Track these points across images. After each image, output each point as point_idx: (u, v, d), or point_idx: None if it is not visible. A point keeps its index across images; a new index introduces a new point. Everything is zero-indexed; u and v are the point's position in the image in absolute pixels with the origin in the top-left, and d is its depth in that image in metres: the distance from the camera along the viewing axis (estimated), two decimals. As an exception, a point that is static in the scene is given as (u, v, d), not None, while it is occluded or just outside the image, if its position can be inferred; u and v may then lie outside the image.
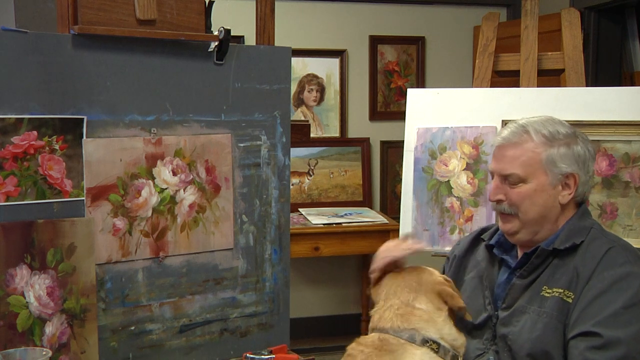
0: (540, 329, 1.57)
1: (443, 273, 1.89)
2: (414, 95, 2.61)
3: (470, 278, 1.79)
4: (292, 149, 2.16)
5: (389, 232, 3.91)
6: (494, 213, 2.38)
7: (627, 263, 1.57)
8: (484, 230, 1.89)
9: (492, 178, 1.73)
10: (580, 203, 1.71)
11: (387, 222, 4.01)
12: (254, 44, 2.14)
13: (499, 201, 1.68)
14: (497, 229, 1.82)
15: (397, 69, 4.51)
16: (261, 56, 2.06)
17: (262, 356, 1.93)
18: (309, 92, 4.38)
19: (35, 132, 1.71)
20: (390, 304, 1.60)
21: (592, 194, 2.32)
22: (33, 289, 1.72)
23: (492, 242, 1.78)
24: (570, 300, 1.57)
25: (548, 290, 1.61)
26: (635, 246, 1.96)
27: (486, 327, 1.69)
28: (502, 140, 1.69)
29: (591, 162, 1.69)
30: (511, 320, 1.64)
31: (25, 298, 1.70)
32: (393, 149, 4.47)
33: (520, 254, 1.74)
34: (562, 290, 1.59)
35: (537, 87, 2.58)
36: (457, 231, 2.44)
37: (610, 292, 1.53)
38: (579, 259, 1.61)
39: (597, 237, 1.65)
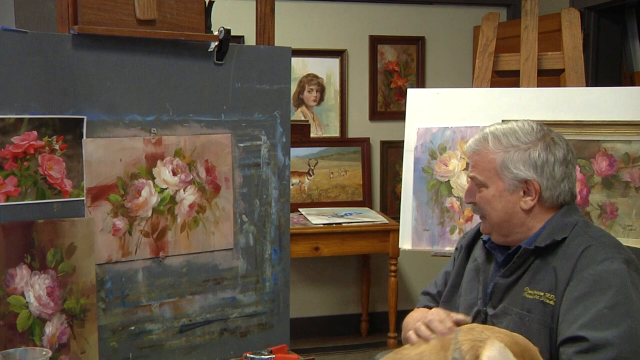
0: (523, 332, 1.56)
1: (453, 263, 1.92)
2: (414, 95, 2.61)
3: (469, 269, 1.82)
4: (292, 149, 2.16)
5: (389, 232, 3.92)
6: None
7: (606, 260, 1.55)
8: None
9: None
10: (561, 204, 1.68)
11: (387, 222, 4.01)
12: (254, 44, 2.14)
13: (472, 203, 1.76)
14: None
15: (397, 69, 4.51)
16: (261, 56, 2.06)
17: (262, 356, 1.93)
18: (309, 92, 4.38)
19: (35, 132, 1.71)
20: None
21: (592, 194, 2.32)
22: (33, 289, 1.72)
23: (485, 237, 1.80)
24: (553, 303, 1.56)
25: (530, 292, 1.61)
26: (635, 246, 1.97)
27: (476, 322, 1.68)
28: (467, 149, 1.78)
29: (558, 166, 1.65)
30: (495, 321, 1.64)
31: (25, 298, 1.70)
32: (393, 149, 4.47)
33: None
34: (542, 294, 1.58)
35: (537, 87, 2.58)
36: (457, 231, 2.45)
37: (592, 293, 1.51)
38: (557, 258, 1.60)
39: (578, 234, 1.62)
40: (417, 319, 1.74)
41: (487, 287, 1.73)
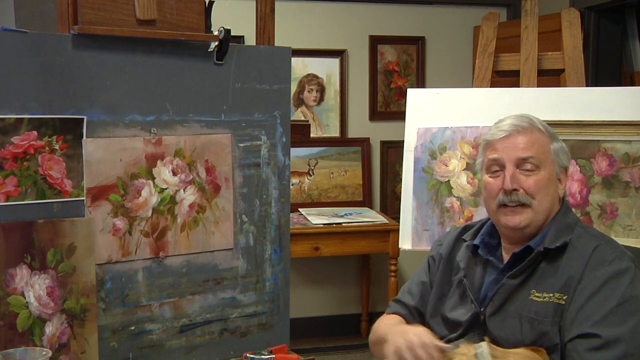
0: (535, 336, 1.57)
1: (429, 272, 1.87)
2: (414, 95, 2.61)
3: (456, 281, 1.77)
4: (292, 149, 2.15)
5: (389, 232, 3.92)
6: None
7: (616, 260, 1.58)
8: (465, 228, 1.87)
9: (493, 170, 1.70)
10: (562, 198, 1.74)
11: (387, 222, 4.01)
12: (254, 44, 2.14)
13: (514, 191, 1.65)
14: (479, 229, 1.81)
15: (397, 69, 4.51)
16: (261, 56, 2.06)
17: (262, 356, 1.93)
18: (309, 92, 4.38)
19: (35, 132, 1.71)
20: None
21: (592, 194, 2.32)
22: (33, 289, 1.72)
23: (477, 242, 1.77)
24: (563, 302, 1.56)
25: (537, 294, 1.60)
26: (635, 246, 1.97)
27: (474, 325, 1.68)
28: (512, 128, 1.68)
29: None
30: (503, 324, 1.63)
31: (25, 298, 1.70)
32: (393, 149, 4.47)
33: (506, 254, 1.73)
34: (552, 294, 1.58)
35: (537, 87, 2.58)
36: (457, 231, 2.44)
37: (603, 291, 1.53)
38: (566, 259, 1.61)
39: (581, 235, 1.65)
40: (390, 326, 1.76)
41: (480, 290, 1.71)
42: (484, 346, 1.50)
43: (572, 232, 1.65)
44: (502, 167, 1.68)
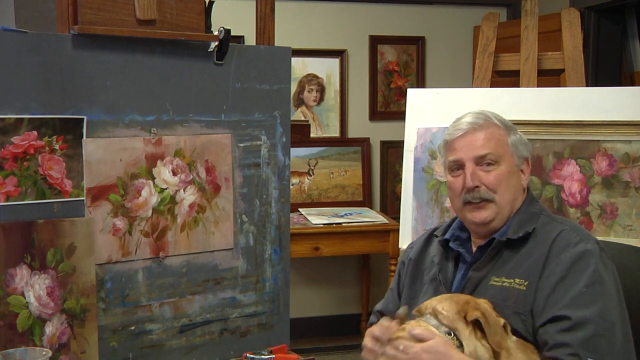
0: None
1: (398, 279, 1.90)
2: (414, 95, 2.61)
3: (429, 279, 1.78)
4: (292, 149, 2.16)
5: (389, 232, 3.92)
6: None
7: (581, 242, 1.59)
8: (436, 228, 1.89)
9: (454, 169, 1.73)
10: (528, 188, 1.76)
11: (387, 222, 4.01)
12: (254, 44, 2.14)
13: (475, 188, 1.68)
14: (450, 225, 1.82)
15: (397, 69, 4.51)
16: (261, 56, 2.06)
17: (262, 356, 1.93)
18: (309, 92, 4.38)
19: (35, 132, 1.71)
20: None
21: (592, 194, 2.32)
22: (33, 289, 1.72)
23: (447, 236, 1.78)
24: (524, 288, 1.57)
25: (496, 279, 1.62)
26: (635, 246, 1.97)
27: None
28: (469, 126, 1.71)
29: None
30: None
31: (25, 298, 1.70)
32: (393, 149, 4.47)
33: (474, 248, 1.74)
34: (512, 280, 1.59)
35: (537, 87, 2.58)
36: (457, 231, 2.44)
37: (571, 274, 1.55)
38: (530, 246, 1.63)
39: (546, 223, 1.67)
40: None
41: (450, 286, 1.72)
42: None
43: (536, 222, 1.67)
44: (462, 166, 1.71)
